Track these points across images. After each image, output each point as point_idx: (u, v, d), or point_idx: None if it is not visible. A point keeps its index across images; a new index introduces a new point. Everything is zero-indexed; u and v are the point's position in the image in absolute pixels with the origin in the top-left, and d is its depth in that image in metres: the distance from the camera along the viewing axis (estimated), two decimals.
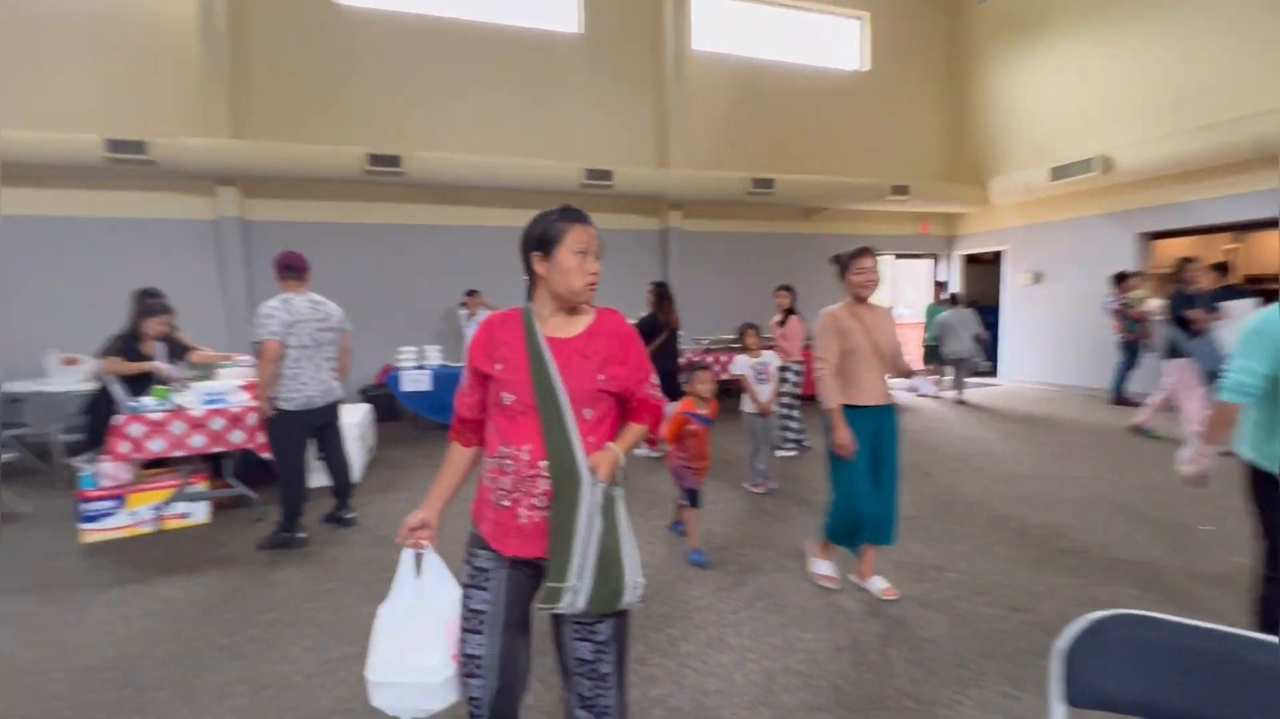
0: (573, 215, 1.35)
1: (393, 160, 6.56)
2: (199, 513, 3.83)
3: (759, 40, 8.78)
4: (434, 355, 6.50)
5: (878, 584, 2.76)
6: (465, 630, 1.35)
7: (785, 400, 5.21)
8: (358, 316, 4.25)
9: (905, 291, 10.58)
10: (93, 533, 3.57)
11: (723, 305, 8.14)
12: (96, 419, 3.80)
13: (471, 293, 6.93)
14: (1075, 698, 1.08)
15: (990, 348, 9.53)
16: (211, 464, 3.95)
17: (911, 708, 2.00)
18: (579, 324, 1.38)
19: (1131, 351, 6.98)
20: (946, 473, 4.69)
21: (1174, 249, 8.42)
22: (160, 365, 3.93)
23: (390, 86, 7.08)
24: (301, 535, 3.45)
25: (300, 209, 6.89)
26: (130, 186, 6.29)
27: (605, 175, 7.34)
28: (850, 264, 2.67)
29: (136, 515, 3.65)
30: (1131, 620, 1.09)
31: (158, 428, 3.58)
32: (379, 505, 4.16)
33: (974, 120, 9.50)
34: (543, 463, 1.27)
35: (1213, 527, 3.46)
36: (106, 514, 3.59)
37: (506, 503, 1.30)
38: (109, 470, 3.58)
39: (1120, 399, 7.11)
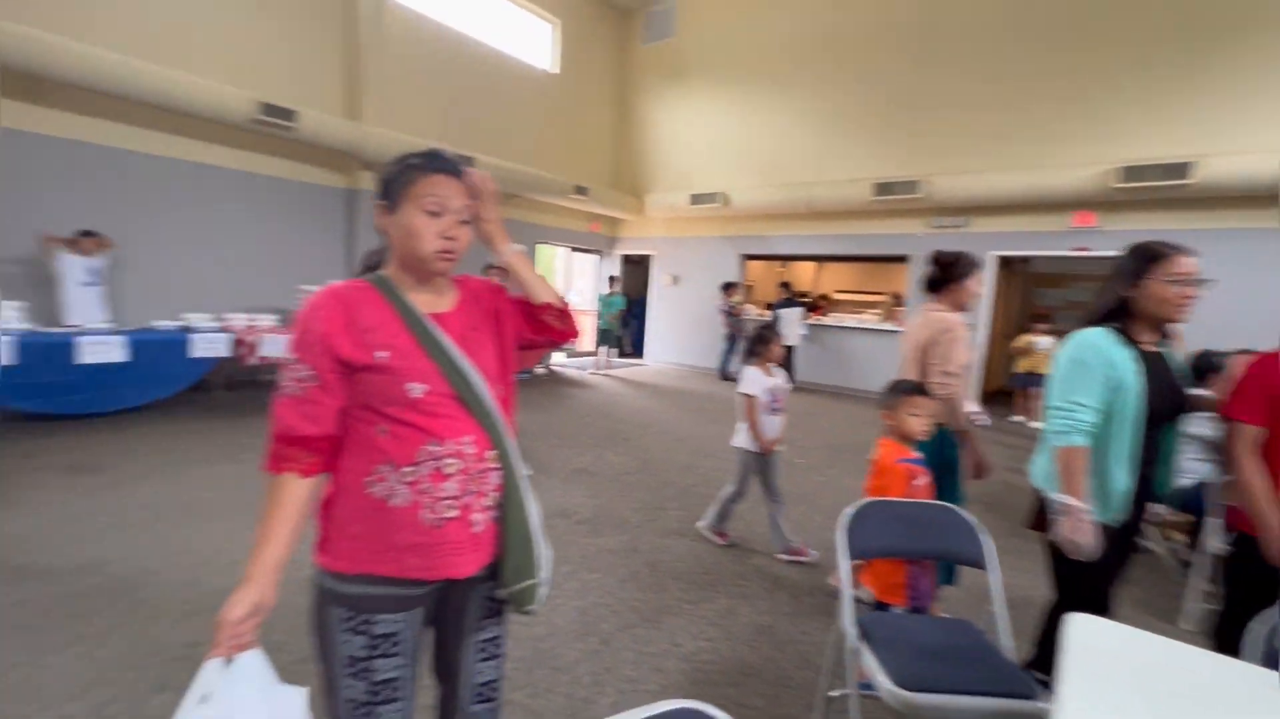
0: (434, 162, 1.12)
1: None
2: None
3: (462, 14, 8.61)
4: (11, 316, 4.63)
5: None
6: (374, 704, 1.10)
7: None
8: None
9: (576, 281, 11.88)
10: None
11: None
12: None
13: (88, 233, 5.12)
14: (853, 553, 1.81)
15: (638, 334, 11.57)
16: None
17: (689, 607, 2.67)
18: (448, 297, 1.19)
19: (731, 341, 9.50)
20: (641, 437, 5.72)
21: (757, 269, 11.62)
22: None
23: None
24: None
25: None
26: None
27: (287, 114, 6.24)
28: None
29: None
30: (872, 504, 1.88)
31: None
32: None
33: (637, 141, 11.23)
34: (490, 453, 1.11)
35: (805, 461, 5.21)
36: None
37: (453, 512, 1.07)
38: None
39: (725, 376, 9.57)
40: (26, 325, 4.74)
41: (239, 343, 5.53)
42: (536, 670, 2.16)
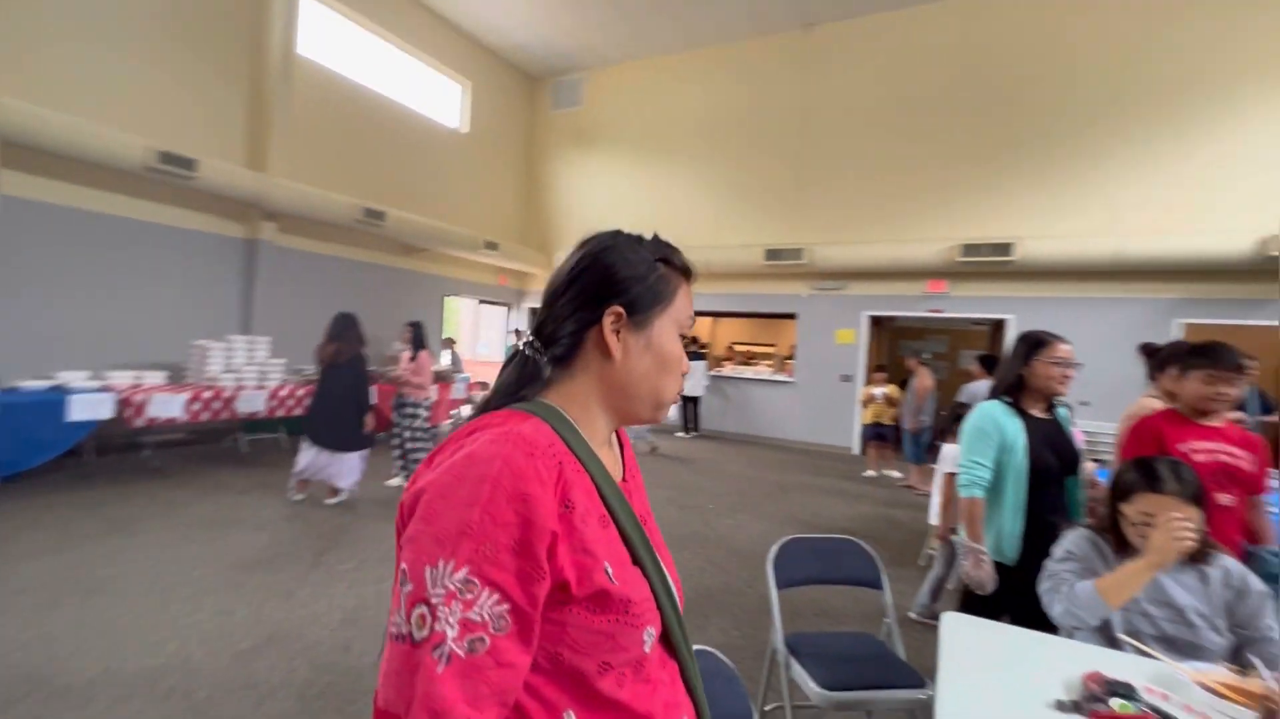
0: (685, 263, 0.79)
1: None
2: None
3: (371, 71, 8.72)
4: None
5: None
6: None
7: (418, 434, 5.50)
8: None
9: (484, 333, 11.92)
10: None
11: (316, 331, 7.58)
12: None
13: None
14: (779, 584, 2.17)
15: None
16: None
17: None
18: (615, 454, 0.79)
19: None
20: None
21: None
22: None
23: None
24: None
25: None
26: None
27: (187, 164, 6.00)
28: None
29: None
30: (794, 540, 2.27)
31: None
32: None
33: (545, 200, 11.67)
34: None
35: (715, 505, 5.60)
36: None
37: None
38: None
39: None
40: None
41: (124, 403, 5.13)
42: None
